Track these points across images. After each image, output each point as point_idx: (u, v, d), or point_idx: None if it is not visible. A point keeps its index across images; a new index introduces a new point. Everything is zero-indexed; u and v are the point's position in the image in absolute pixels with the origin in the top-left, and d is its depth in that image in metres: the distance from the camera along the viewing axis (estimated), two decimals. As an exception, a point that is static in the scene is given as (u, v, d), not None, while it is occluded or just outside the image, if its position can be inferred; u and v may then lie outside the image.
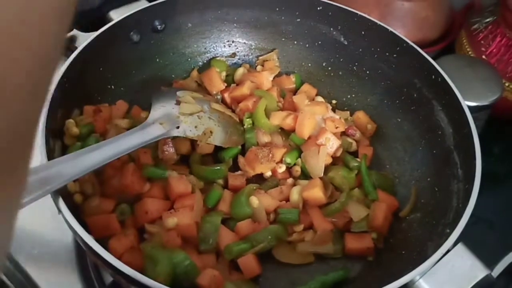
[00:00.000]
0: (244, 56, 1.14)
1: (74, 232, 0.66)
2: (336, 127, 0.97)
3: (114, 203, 0.83)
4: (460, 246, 0.70)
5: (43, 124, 0.75)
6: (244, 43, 1.13)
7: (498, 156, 1.24)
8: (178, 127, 0.90)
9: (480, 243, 0.72)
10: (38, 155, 0.72)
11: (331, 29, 1.07)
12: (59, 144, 0.83)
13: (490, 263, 0.72)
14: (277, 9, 1.08)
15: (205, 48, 1.12)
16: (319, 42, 1.09)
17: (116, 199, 0.84)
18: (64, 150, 0.83)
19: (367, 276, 0.83)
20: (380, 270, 0.82)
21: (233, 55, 1.14)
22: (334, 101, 1.10)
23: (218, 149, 0.96)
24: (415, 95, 0.97)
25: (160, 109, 0.92)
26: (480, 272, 0.68)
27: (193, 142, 0.95)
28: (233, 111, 1.04)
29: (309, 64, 1.12)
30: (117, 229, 0.80)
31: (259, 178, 0.96)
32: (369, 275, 0.83)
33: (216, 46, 1.12)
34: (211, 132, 0.94)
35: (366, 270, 0.84)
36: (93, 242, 0.64)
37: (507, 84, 1.17)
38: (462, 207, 0.74)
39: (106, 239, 0.76)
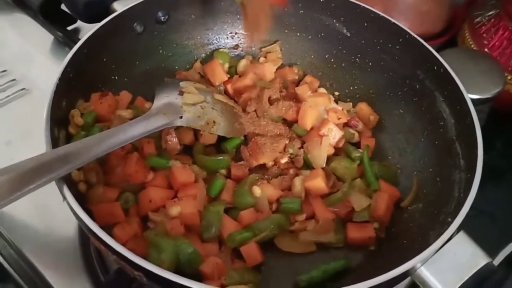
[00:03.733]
0: (247, 47, 1.14)
1: (79, 219, 0.67)
2: (339, 118, 0.97)
3: (118, 192, 0.84)
4: (461, 234, 0.70)
5: (48, 114, 0.75)
6: (247, 34, 1.13)
7: (499, 150, 1.24)
8: (181, 117, 0.91)
9: (481, 236, 0.72)
10: (43, 144, 0.72)
11: (334, 20, 1.07)
12: (63, 133, 0.83)
13: (490, 255, 0.72)
14: (280, 0, 1.08)
15: (208, 40, 1.12)
16: (322, 34, 1.10)
17: (120, 188, 0.85)
18: (69, 139, 0.84)
19: (368, 266, 0.83)
20: (382, 259, 0.82)
21: (236, 46, 1.14)
22: (336, 93, 1.10)
23: (221, 139, 0.97)
24: (417, 87, 0.97)
25: (164, 99, 0.92)
26: (481, 260, 0.68)
27: (196, 132, 0.96)
28: (236, 102, 1.04)
29: (312, 56, 1.12)
30: (121, 217, 0.81)
31: (262, 168, 0.96)
32: (371, 265, 0.83)
33: (219, 37, 1.13)
34: (214, 122, 0.94)
35: (368, 260, 0.85)
36: (98, 228, 0.64)
37: (509, 77, 1.17)
38: (464, 196, 0.74)
39: (110, 228, 0.77)
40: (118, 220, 0.80)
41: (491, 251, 0.72)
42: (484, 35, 1.21)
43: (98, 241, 0.65)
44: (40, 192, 0.66)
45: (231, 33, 1.13)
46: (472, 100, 0.86)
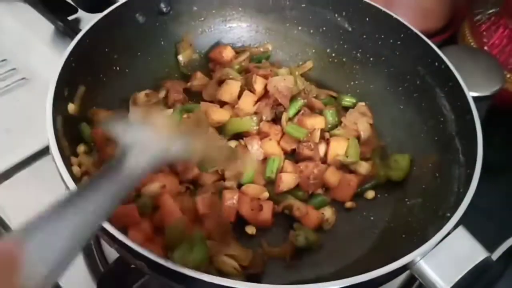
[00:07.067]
0: (249, 40, 1.14)
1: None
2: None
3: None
4: (460, 229, 0.70)
5: (51, 102, 0.75)
6: (248, 26, 1.13)
7: (497, 147, 1.24)
8: None
9: (479, 231, 0.73)
10: (43, 133, 0.72)
11: (336, 15, 1.07)
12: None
13: (489, 250, 0.72)
14: (282, -7, 1.08)
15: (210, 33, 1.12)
16: (324, 28, 1.10)
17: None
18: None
19: (367, 259, 0.83)
20: (381, 253, 0.82)
21: (238, 40, 1.13)
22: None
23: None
24: (418, 82, 0.98)
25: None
26: (479, 254, 0.69)
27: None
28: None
29: (313, 50, 1.12)
30: (137, 219, 0.77)
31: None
32: (370, 258, 0.83)
33: (220, 30, 1.12)
34: None
35: (367, 253, 0.85)
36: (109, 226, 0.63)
37: (508, 75, 1.17)
38: (463, 192, 0.75)
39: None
40: (133, 222, 0.76)
41: (489, 246, 0.73)
42: (484, 33, 1.22)
43: (101, 231, 0.65)
44: (41, 180, 0.65)
45: (231, 27, 1.13)
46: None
